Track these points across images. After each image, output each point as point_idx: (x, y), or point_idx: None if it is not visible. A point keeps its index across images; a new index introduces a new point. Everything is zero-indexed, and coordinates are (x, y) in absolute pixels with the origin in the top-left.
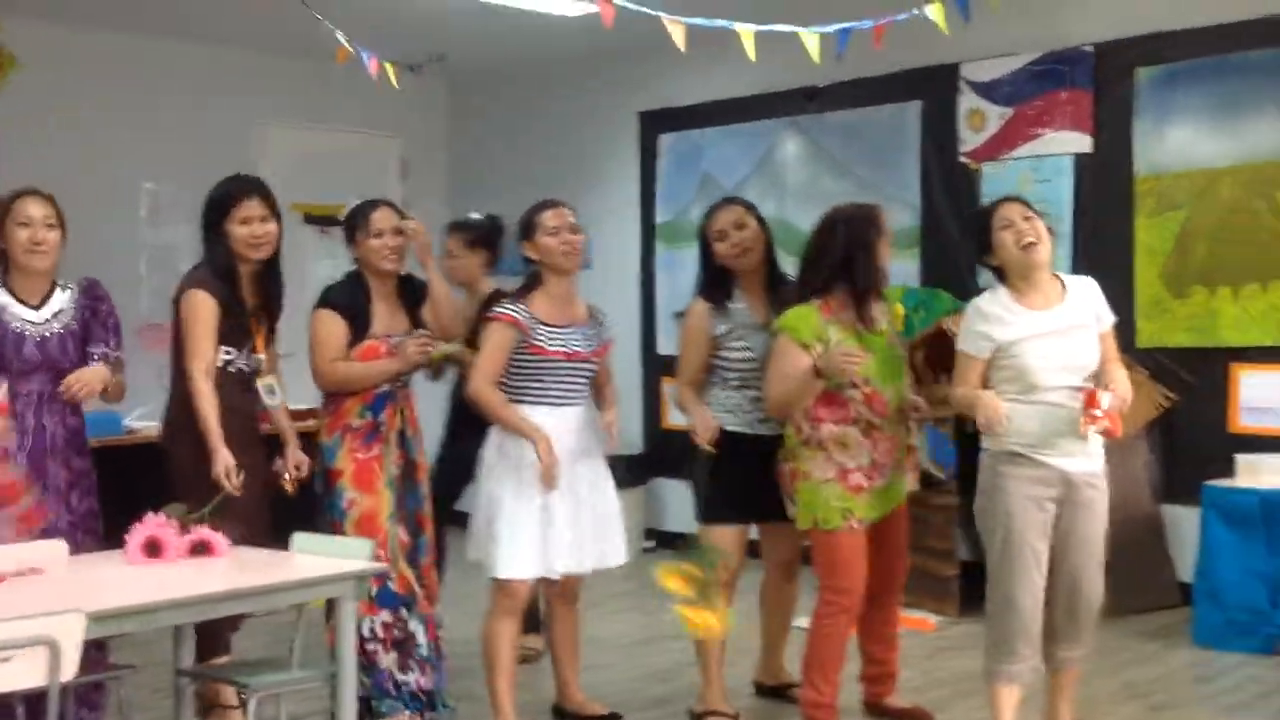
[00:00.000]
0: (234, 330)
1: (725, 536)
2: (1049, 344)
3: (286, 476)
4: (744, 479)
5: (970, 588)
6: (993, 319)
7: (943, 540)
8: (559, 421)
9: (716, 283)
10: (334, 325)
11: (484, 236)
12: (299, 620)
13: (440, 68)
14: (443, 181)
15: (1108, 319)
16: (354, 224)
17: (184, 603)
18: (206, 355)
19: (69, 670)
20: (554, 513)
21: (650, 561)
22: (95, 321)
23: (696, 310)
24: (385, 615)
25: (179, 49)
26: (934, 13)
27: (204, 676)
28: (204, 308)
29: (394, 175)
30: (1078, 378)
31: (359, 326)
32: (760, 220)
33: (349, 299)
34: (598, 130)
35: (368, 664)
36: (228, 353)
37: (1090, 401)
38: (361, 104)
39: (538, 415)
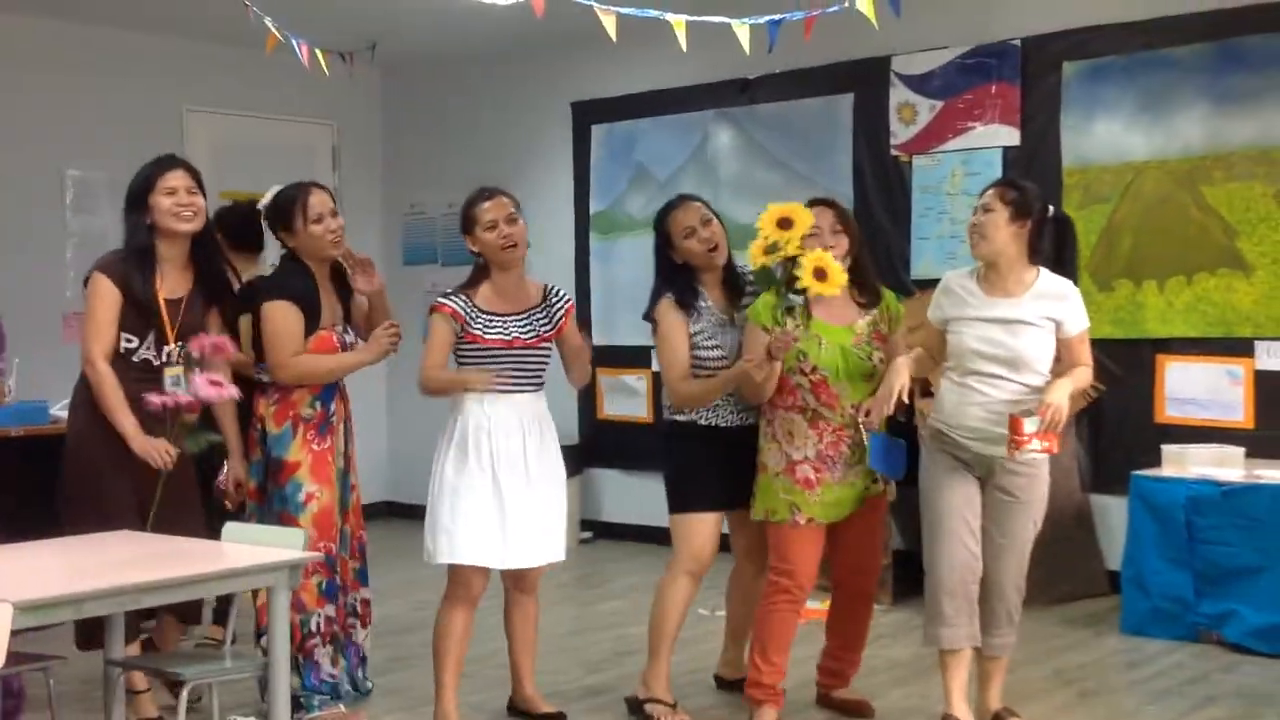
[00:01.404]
0: (138, 319)
1: (699, 526)
2: (989, 330)
3: (229, 491)
4: (717, 470)
5: (906, 577)
6: (949, 293)
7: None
8: (506, 409)
9: (681, 282)
10: (294, 317)
11: (233, 225)
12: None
13: (373, 55)
14: (376, 170)
15: (1075, 325)
16: (288, 210)
17: (111, 592)
18: (105, 340)
19: None
20: (505, 501)
21: (586, 553)
22: None
23: (667, 311)
24: (329, 609)
25: (106, 34)
26: (864, 6)
27: (134, 667)
28: (103, 291)
29: (326, 163)
30: (1013, 372)
31: (311, 317)
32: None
33: (299, 288)
34: (531, 120)
35: (305, 659)
36: (128, 340)
37: (1015, 428)
38: (293, 91)
39: (484, 404)
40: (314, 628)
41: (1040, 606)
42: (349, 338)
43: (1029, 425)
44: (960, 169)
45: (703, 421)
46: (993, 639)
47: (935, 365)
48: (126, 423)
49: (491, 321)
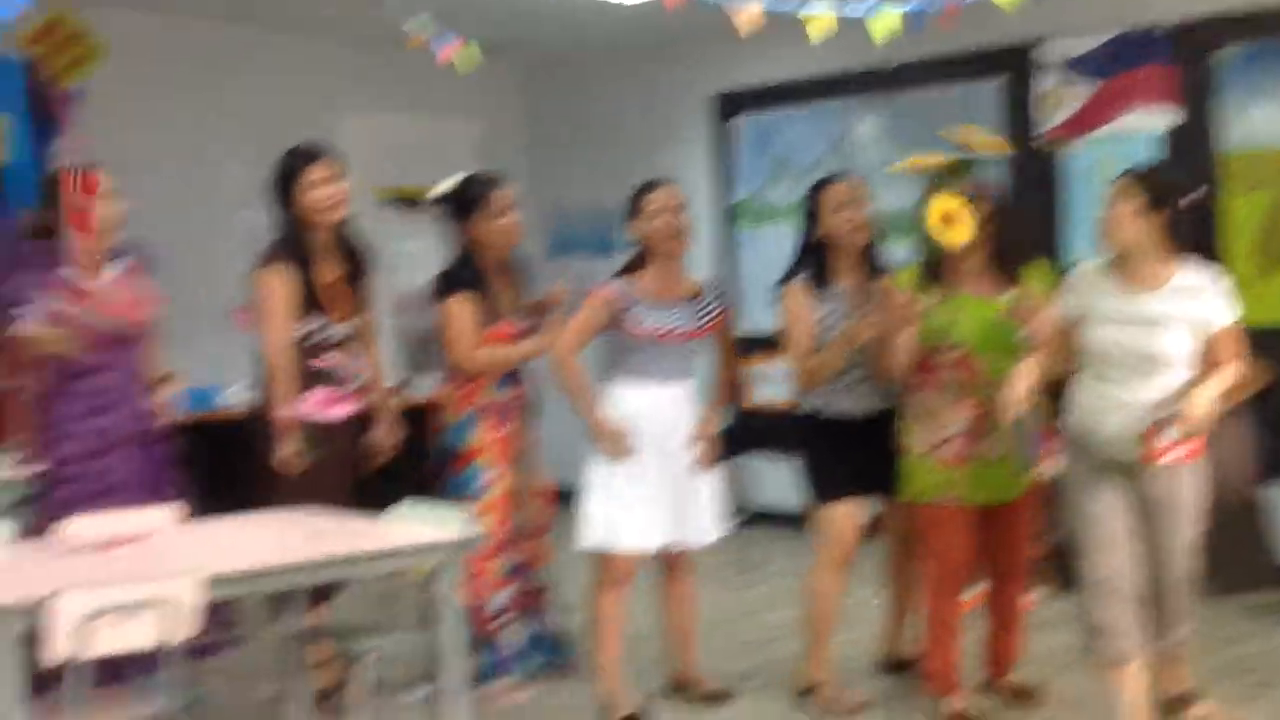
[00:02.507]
0: (304, 302)
1: (844, 513)
2: (1122, 330)
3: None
4: (851, 457)
5: (1069, 565)
6: (1080, 287)
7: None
8: (658, 399)
9: (817, 262)
10: (470, 309)
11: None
12: (401, 587)
13: (516, 53)
14: (519, 165)
15: (1219, 319)
16: (470, 202)
17: (293, 568)
18: (281, 329)
19: (182, 632)
20: (654, 487)
21: (736, 539)
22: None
23: (796, 291)
24: (512, 590)
25: (262, 37)
26: None
27: (310, 639)
28: (273, 283)
29: (470, 160)
30: (1150, 373)
31: (487, 309)
32: None
33: (478, 283)
34: (672, 112)
35: (488, 640)
36: (303, 325)
37: (1150, 439)
38: (438, 89)
39: (632, 392)
40: (498, 607)
41: (1207, 598)
42: (524, 325)
43: (1165, 436)
44: (1110, 156)
45: (830, 412)
46: (1165, 639)
47: (1068, 363)
48: (286, 417)
49: (649, 311)
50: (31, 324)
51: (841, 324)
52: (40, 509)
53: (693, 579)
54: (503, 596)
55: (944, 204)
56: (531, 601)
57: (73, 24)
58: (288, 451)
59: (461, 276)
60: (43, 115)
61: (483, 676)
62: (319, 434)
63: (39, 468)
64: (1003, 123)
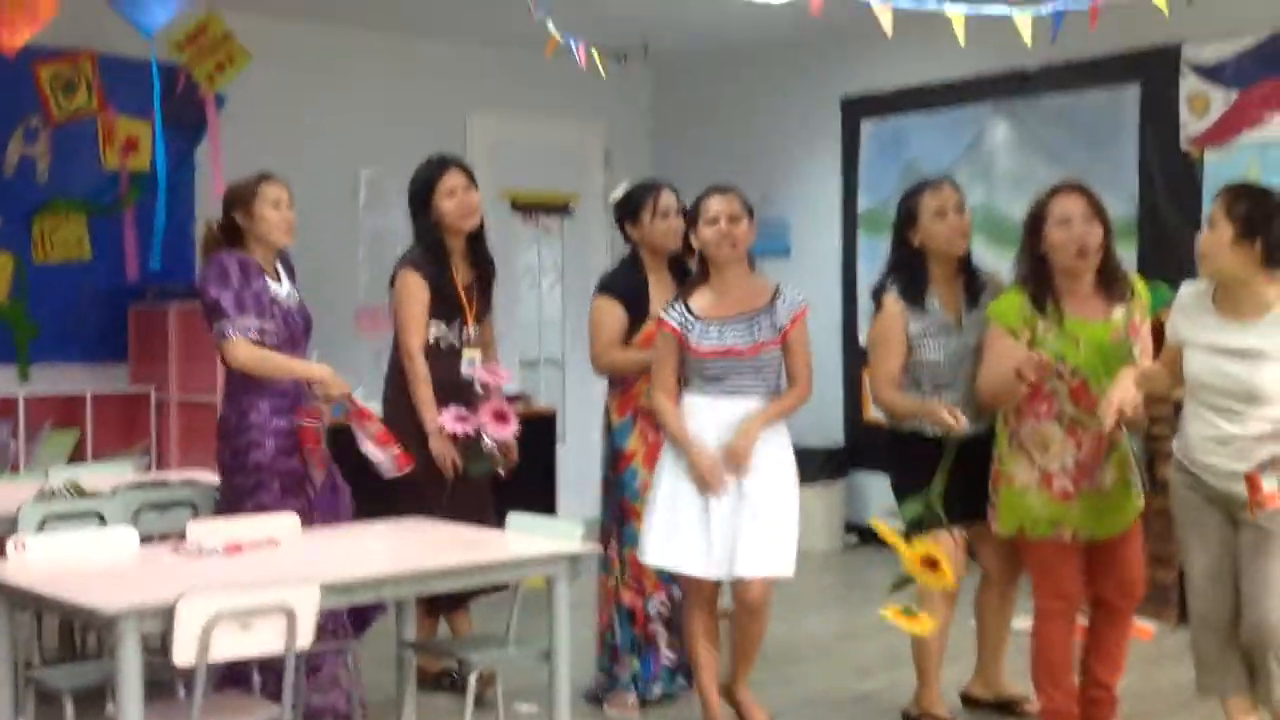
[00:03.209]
0: (444, 307)
1: (939, 543)
2: (1220, 360)
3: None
4: (958, 482)
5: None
6: (1183, 310)
7: (1161, 545)
8: (718, 414)
9: (911, 274)
10: (612, 311)
11: None
12: (515, 598)
13: (644, 56)
14: (646, 168)
15: None
16: (635, 206)
17: (407, 577)
18: (419, 333)
19: (304, 638)
20: (710, 509)
21: (850, 557)
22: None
23: (891, 310)
24: (664, 594)
25: (395, 40)
26: None
27: (426, 649)
28: (415, 287)
29: (599, 162)
30: (1252, 406)
31: (638, 312)
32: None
33: (626, 285)
34: (800, 116)
35: (646, 643)
36: (439, 329)
37: (1253, 486)
38: (567, 92)
39: (699, 404)
40: (653, 612)
41: None
42: None
43: (1269, 483)
44: (1257, 163)
45: (929, 432)
46: (1264, 692)
47: (1176, 385)
48: (430, 419)
49: (707, 329)
50: (241, 341)
51: (938, 339)
52: (230, 510)
53: (759, 612)
54: (660, 602)
55: (927, 549)
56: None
57: (220, 29)
58: (447, 461)
59: (616, 279)
60: (187, 120)
61: (630, 682)
62: (481, 450)
63: (231, 470)
64: (1144, 128)
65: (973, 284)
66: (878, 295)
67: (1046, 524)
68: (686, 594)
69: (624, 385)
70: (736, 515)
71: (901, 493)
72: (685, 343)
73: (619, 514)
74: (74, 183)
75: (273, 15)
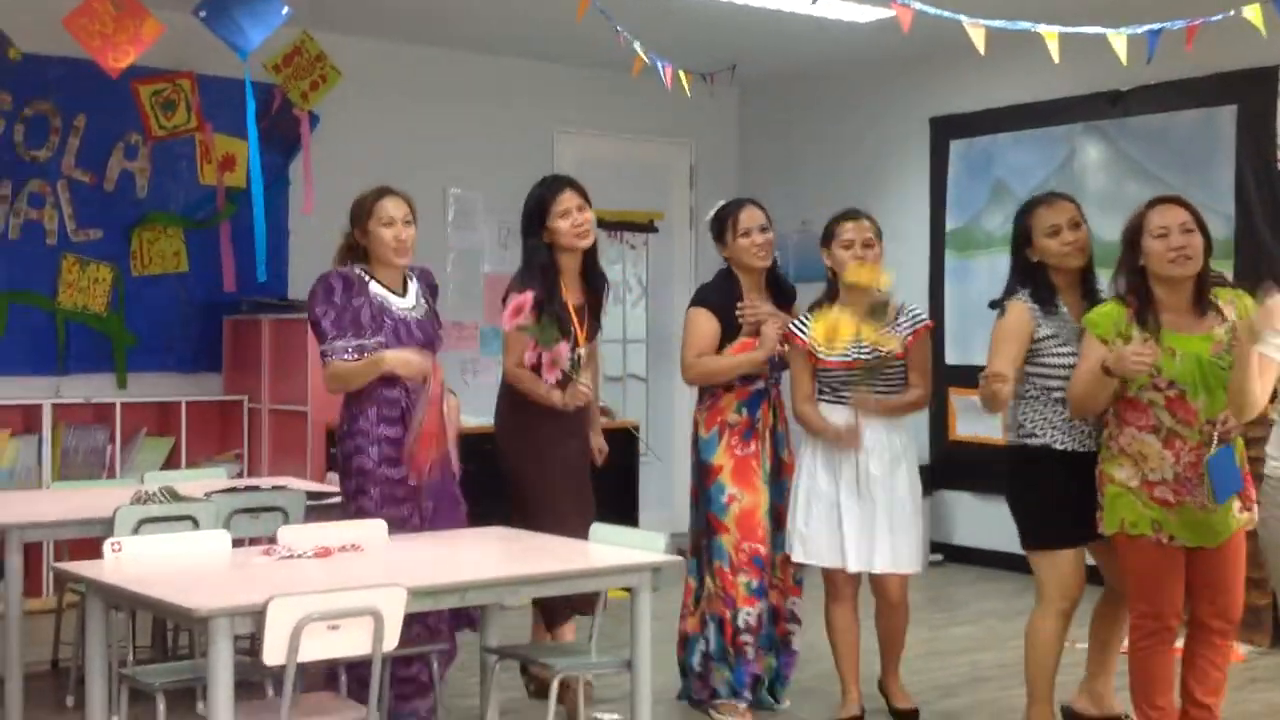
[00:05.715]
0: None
1: (1063, 563)
2: None
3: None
4: (1074, 498)
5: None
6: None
7: (1254, 567)
8: (845, 420)
9: (1039, 283)
10: (704, 322)
11: None
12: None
13: (731, 76)
14: (731, 188)
15: None
16: (722, 224)
17: (489, 584)
18: (517, 352)
19: (390, 641)
20: (844, 507)
21: (935, 575)
22: (433, 305)
23: (1018, 309)
24: (759, 608)
25: (483, 61)
26: (1251, 13)
27: (509, 656)
28: (525, 306)
29: (684, 181)
30: None
31: (731, 324)
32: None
33: (721, 297)
34: (887, 137)
35: (737, 654)
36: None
37: None
38: (653, 112)
39: (827, 411)
40: (742, 624)
41: None
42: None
43: None
44: None
45: (1059, 446)
46: None
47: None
48: (544, 395)
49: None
50: (333, 363)
51: (1069, 345)
52: (347, 515)
53: (899, 605)
54: (748, 614)
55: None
56: (776, 630)
57: (314, 49)
58: (556, 394)
59: (710, 292)
60: (282, 137)
61: (729, 692)
62: (574, 373)
63: (342, 473)
64: (1240, 148)
65: (1094, 300)
66: (1000, 304)
67: (1148, 523)
68: (829, 590)
69: (712, 399)
70: (868, 514)
71: (1033, 515)
72: (813, 355)
73: (707, 527)
74: (172, 197)
75: (364, 36)
